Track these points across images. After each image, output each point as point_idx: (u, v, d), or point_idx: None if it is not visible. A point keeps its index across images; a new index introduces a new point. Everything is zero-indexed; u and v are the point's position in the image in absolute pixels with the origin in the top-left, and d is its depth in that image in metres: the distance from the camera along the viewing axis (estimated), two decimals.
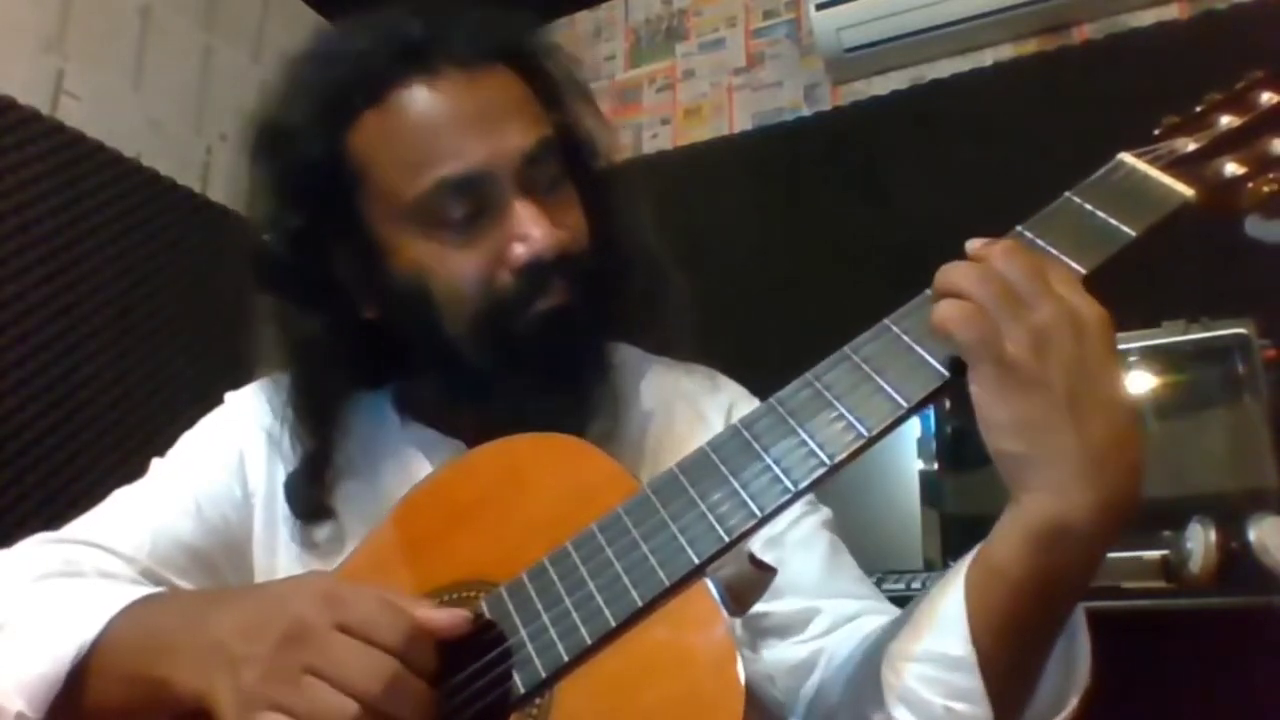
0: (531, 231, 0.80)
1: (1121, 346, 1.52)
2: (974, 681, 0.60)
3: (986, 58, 2.16)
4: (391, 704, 0.57)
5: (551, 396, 0.81)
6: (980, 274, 0.60)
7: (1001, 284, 0.59)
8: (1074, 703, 0.63)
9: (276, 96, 0.88)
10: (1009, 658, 0.61)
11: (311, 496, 0.88)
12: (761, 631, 0.83)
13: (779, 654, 0.82)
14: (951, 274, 0.62)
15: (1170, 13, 2.00)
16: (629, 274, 0.91)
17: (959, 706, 0.60)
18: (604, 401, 0.84)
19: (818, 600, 0.83)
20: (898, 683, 0.64)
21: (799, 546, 0.86)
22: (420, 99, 0.82)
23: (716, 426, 0.89)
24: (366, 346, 0.90)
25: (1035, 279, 0.60)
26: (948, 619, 0.62)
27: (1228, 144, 0.67)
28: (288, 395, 0.90)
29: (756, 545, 0.83)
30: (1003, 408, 0.59)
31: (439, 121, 0.82)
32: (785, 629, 0.82)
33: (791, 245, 2.16)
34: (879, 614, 0.81)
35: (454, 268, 0.81)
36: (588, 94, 0.95)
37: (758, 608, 0.81)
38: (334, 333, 0.88)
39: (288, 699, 0.57)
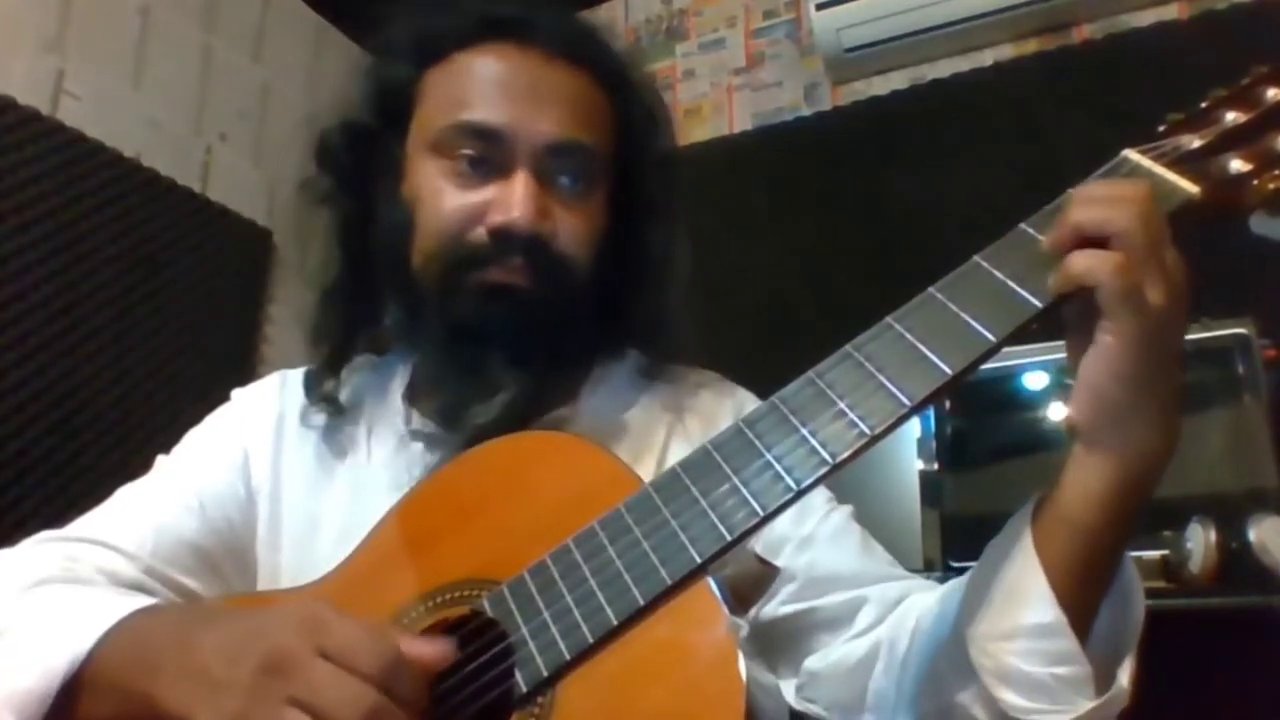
0: (516, 203, 0.82)
1: None
2: (1071, 643, 0.63)
3: (986, 58, 2.16)
4: None
5: (465, 367, 0.84)
6: (1134, 216, 0.60)
7: (1150, 231, 0.60)
8: (1135, 644, 0.66)
9: (395, 25, 0.95)
10: (1085, 604, 0.64)
11: (329, 386, 0.92)
12: (811, 628, 0.83)
13: (837, 655, 0.82)
14: (1101, 212, 0.61)
15: (1170, 13, 2.00)
16: (638, 296, 0.92)
17: (1063, 671, 0.63)
18: (546, 390, 0.85)
19: (861, 589, 0.83)
20: (993, 664, 0.65)
21: (832, 540, 0.86)
22: (494, 56, 0.88)
23: (724, 421, 0.90)
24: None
25: (1164, 225, 0.61)
26: (1030, 589, 0.64)
27: (1233, 141, 0.66)
28: (330, 282, 0.93)
29: (789, 549, 0.84)
30: (1130, 358, 0.61)
31: (494, 78, 0.87)
32: (835, 622, 0.83)
33: (791, 245, 2.16)
34: (922, 590, 0.82)
35: (441, 203, 0.85)
36: (667, 128, 0.98)
37: (802, 604, 0.83)
38: (363, 229, 0.92)
39: None
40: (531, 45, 0.88)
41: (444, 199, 0.85)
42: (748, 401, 0.96)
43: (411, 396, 0.93)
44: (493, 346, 0.84)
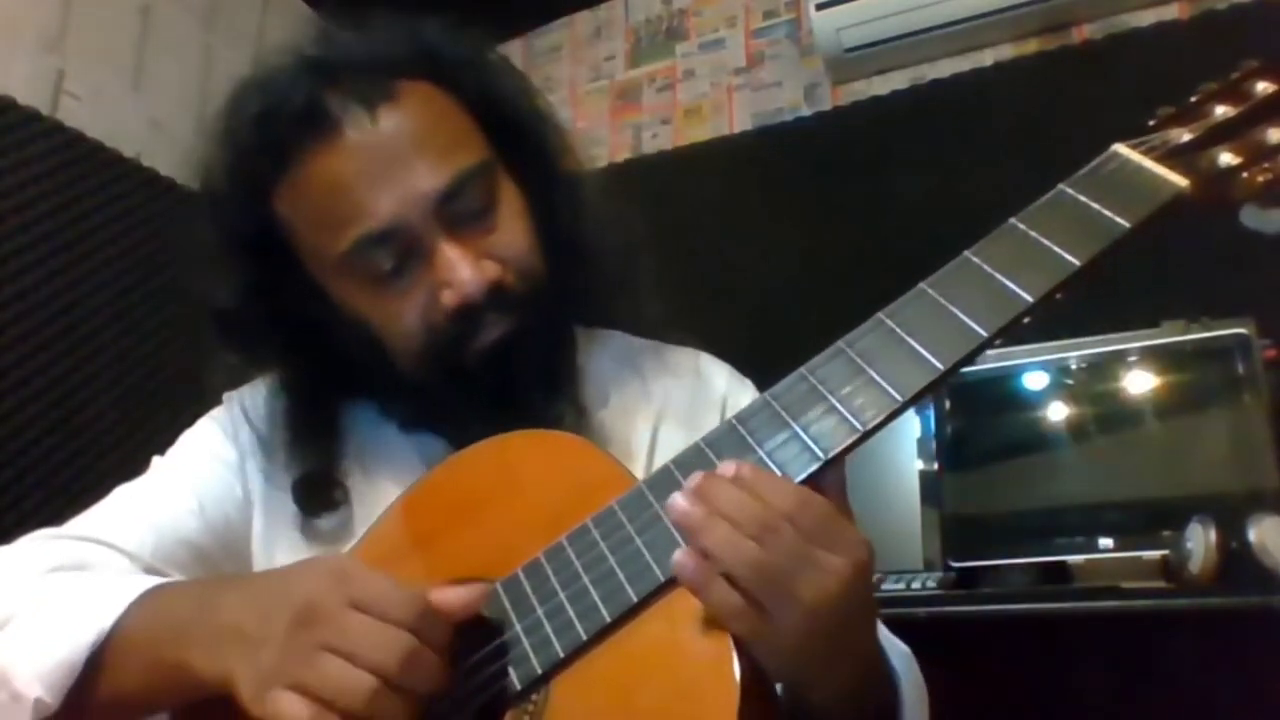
0: (457, 275, 0.80)
1: (1121, 346, 1.54)
2: None
3: (986, 58, 2.16)
4: (408, 677, 0.59)
5: (503, 421, 0.81)
6: (752, 562, 0.57)
7: (774, 572, 0.57)
8: None
9: (206, 159, 0.89)
10: None
11: (317, 503, 0.89)
12: None
13: None
14: (724, 550, 0.57)
15: (1170, 13, 2.00)
16: (593, 269, 0.91)
17: None
18: (565, 415, 0.84)
19: None
20: None
21: None
22: (324, 161, 0.81)
23: (709, 417, 0.91)
24: (344, 368, 0.90)
25: (807, 550, 0.57)
26: None
27: (1222, 134, 0.67)
28: (282, 419, 0.91)
29: None
30: (779, 662, 0.60)
31: (345, 181, 0.80)
32: None
33: (791, 245, 2.15)
34: None
35: (393, 316, 0.82)
36: (531, 92, 0.94)
37: None
38: (307, 365, 0.90)
39: (306, 676, 0.58)
40: (341, 117, 0.81)
41: (392, 310, 0.82)
42: (733, 384, 0.97)
43: (398, 419, 0.92)
44: (523, 389, 0.83)
